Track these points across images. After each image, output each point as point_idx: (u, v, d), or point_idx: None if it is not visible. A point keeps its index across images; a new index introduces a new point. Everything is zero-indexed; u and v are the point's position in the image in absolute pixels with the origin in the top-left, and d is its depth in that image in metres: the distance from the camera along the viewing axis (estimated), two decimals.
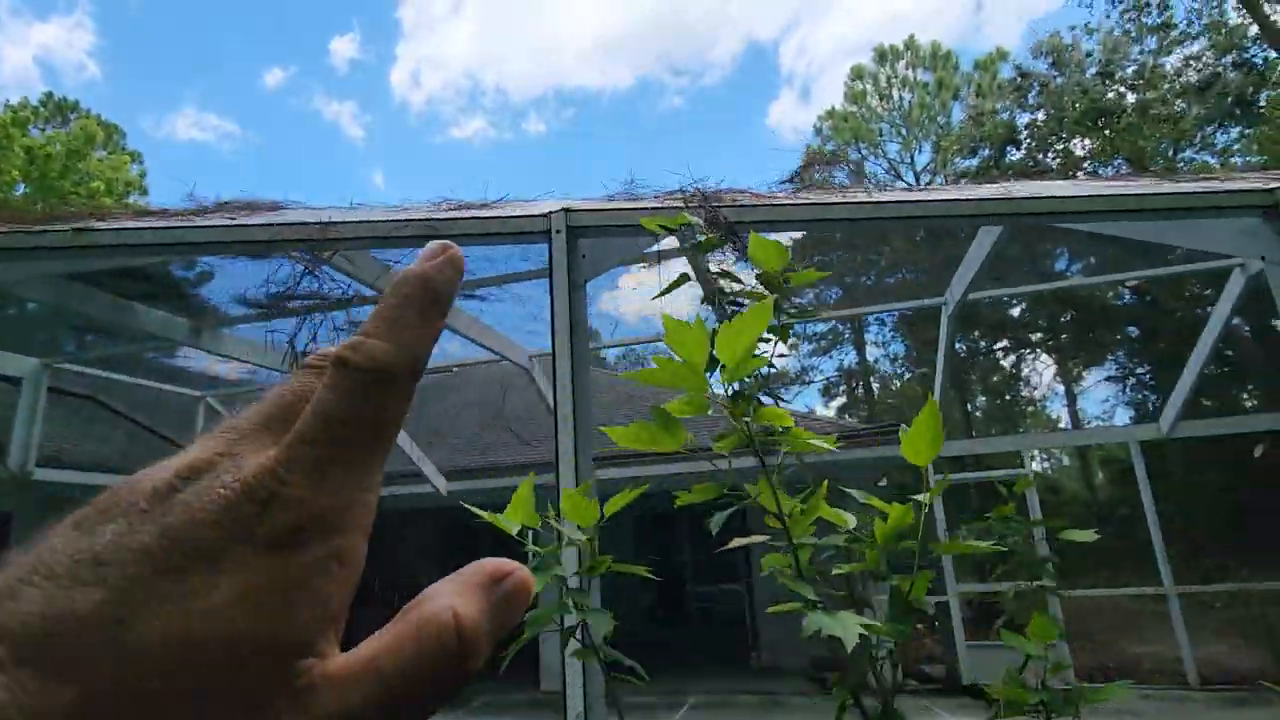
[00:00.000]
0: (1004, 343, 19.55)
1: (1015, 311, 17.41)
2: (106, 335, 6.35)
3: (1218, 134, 16.51)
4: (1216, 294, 7.54)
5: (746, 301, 1.81)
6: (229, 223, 2.42)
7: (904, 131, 25.08)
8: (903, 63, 24.95)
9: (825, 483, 1.10)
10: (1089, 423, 20.33)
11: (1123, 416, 18.95)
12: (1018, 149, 17.78)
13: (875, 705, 0.94)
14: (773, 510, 1.03)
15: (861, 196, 2.56)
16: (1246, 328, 13.77)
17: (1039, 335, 18.90)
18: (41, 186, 19.38)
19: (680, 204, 2.37)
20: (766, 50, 47.07)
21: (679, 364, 0.99)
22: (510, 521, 1.17)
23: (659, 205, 2.41)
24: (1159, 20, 16.78)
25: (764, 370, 1.25)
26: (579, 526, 1.31)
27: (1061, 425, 22.72)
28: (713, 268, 2.36)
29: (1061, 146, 17.37)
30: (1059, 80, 17.43)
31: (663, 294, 1.98)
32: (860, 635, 0.87)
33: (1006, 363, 20.24)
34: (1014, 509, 1.74)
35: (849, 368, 23.94)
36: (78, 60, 40.69)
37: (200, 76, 47.75)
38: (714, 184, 2.43)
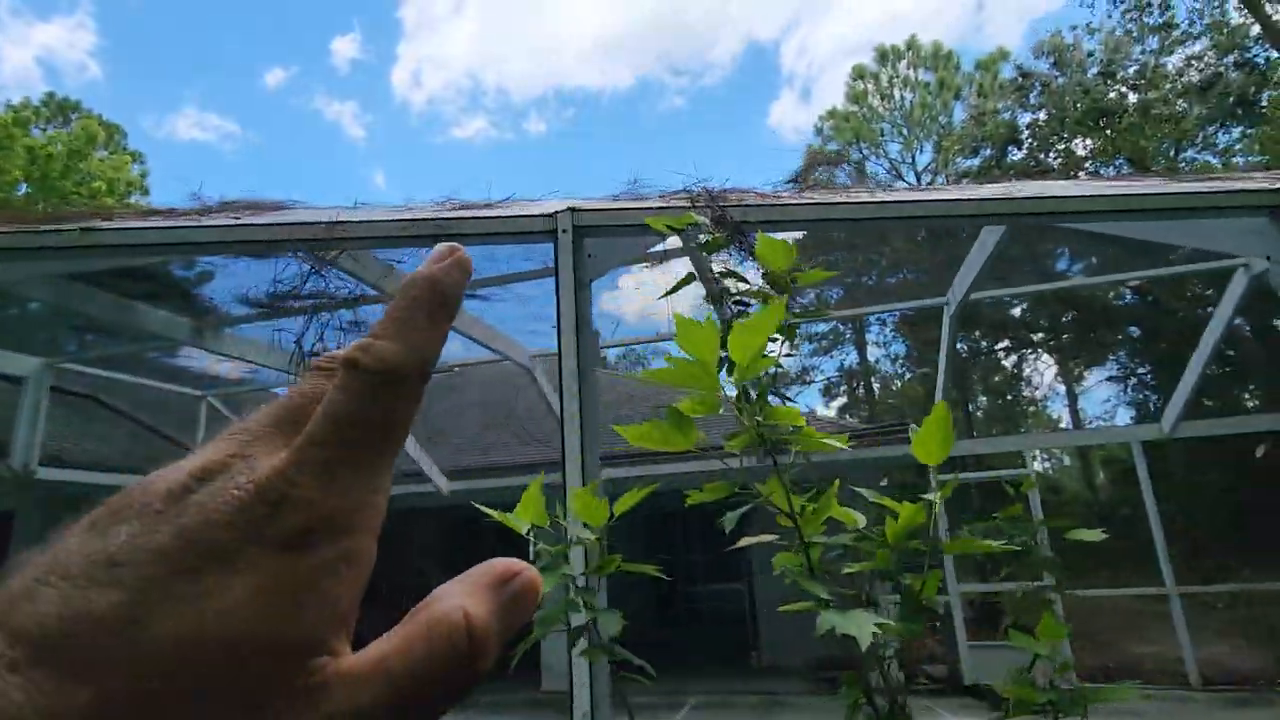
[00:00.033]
0: (1005, 343, 19.55)
1: (1016, 311, 17.41)
2: (108, 335, 6.35)
3: (1219, 134, 16.51)
4: (1218, 294, 7.54)
5: (752, 301, 1.81)
6: (236, 222, 2.43)
7: (905, 131, 25.08)
8: (904, 62, 24.95)
9: (837, 482, 1.10)
10: (1090, 423, 20.33)
11: (1124, 416, 18.95)
12: (1019, 149, 17.77)
13: (885, 704, 0.94)
14: (784, 509, 1.03)
15: (865, 196, 2.56)
16: (1248, 328, 13.76)
17: (1040, 335, 18.90)
18: (43, 186, 19.40)
19: (685, 204, 2.37)
20: (767, 50, 47.08)
21: (692, 363, 0.99)
22: (520, 520, 1.17)
23: (664, 205, 2.41)
24: (1160, 20, 16.78)
25: (770, 370, 1.25)
26: (587, 525, 1.31)
27: (1062, 425, 22.72)
28: (716, 268, 2.36)
29: (1063, 146, 17.36)
30: (1060, 80, 17.42)
31: (669, 293, 1.98)
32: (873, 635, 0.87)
33: (1008, 363, 20.23)
34: (1021, 509, 1.74)
35: (850, 368, 23.94)
36: (79, 60, 40.71)
37: (201, 76, 47.78)
38: (719, 184, 2.43)
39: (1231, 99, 15.13)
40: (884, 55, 25.23)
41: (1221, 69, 15.62)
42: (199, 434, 8.18)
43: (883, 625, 0.88)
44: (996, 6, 39.14)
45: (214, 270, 4.94)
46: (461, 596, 0.23)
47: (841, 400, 24.81)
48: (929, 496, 1.08)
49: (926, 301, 6.93)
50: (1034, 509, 7.63)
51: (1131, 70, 17.12)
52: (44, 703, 0.18)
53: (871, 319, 20.64)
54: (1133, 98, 16.73)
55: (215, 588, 0.20)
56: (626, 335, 8.29)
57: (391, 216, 2.43)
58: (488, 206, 2.84)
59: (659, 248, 3.27)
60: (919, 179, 24.05)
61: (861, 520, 1.12)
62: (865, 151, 24.82)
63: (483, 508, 1.22)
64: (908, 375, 23.38)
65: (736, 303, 1.84)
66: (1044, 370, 20.68)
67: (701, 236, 2.23)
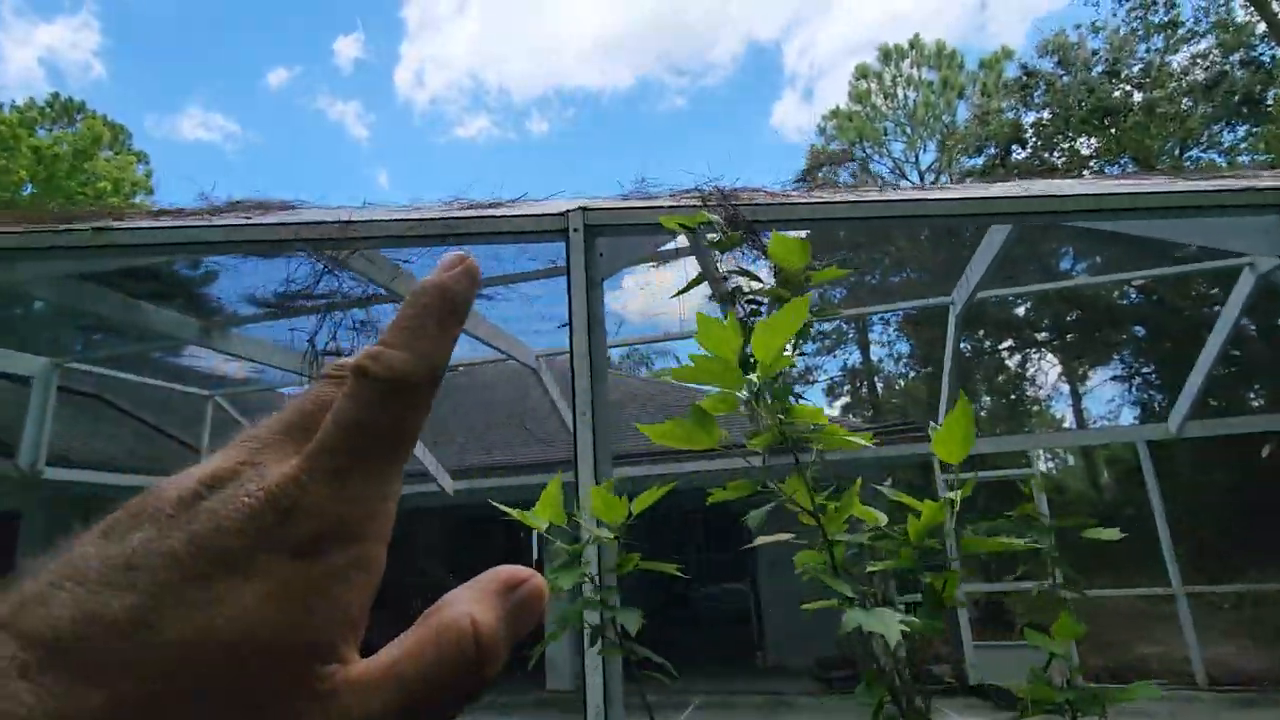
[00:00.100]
0: (1009, 342, 19.51)
1: (1020, 311, 17.37)
2: (115, 334, 6.37)
3: (1224, 133, 16.45)
4: (1224, 293, 7.50)
5: (763, 300, 1.81)
6: (248, 222, 2.43)
7: (909, 131, 25.04)
8: (907, 61, 24.90)
9: (859, 480, 1.10)
10: (1094, 422, 20.29)
11: (1128, 416, 18.90)
12: (1023, 148, 17.73)
13: (901, 704, 0.94)
14: (806, 507, 1.03)
15: (875, 195, 2.55)
16: (1253, 327, 13.72)
17: (1044, 335, 18.86)
18: (49, 187, 19.46)
19: (695, 203, 2.37)
20: (769, 50, 47.01)
21: (716, 361, 0.99)
22: (539, 518, 1.17)
23: (675, 204, 2.41)
24: (1165, 18, 16.72)
25: (790, 369, 1.25)
26: (604, 524, 1.31)
27: (1066, 425, 22.67)
28: (723, 267, 2.36)
29: (1067, 146, 17.31)
30: (1065, 79, 17.38)
31: (682, 292, 1.98)
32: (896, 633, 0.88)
33: (1011, 362, 20.19)
34: (1034, 508, 1.74)
35: (853, 367, 23.91)
36: (83, 60, 40.82)
37: (205, 76, 47.85)
38: (728, 183, 2.43)
39: (1237, 97, 15.07)
40: (887, 54, 25.19)
41: (1227, 67, 15.56)
42: (205, 433, 8.20)
43: (909, 622, 0.88)
44: (999, 5, 39.05)
45: (221, 270, 4.96)
46: (469, 603, 0.23)
47: (845, 400, 24.79)
48: (949, 495, 1.08)
49: (932, 300, 6.92)
50: (1040, 509, 7.61)
51: (1136, 69, 17.07)
52: (55, 706, 0.18)
53: (874, 318, 20.62)
54: (1137, 96, 16.68)
55: (227, 594, 0.21)
56: (630, 335, 8.29)
57: (403, 216, 2.44)
58: (495, 206, 2.85)
59: (669, 246, 3.27)
60: (922, 178, 24.01)
61: (883, 519, 1.12)
62: (869, 151, 24.79)
63: (501, 506, 1.22)
64: (911, 375, 23.34)
65: (750, 301, 1.84)
66: (1048, 370, 20.64)
67: (709, 236, 2.23)
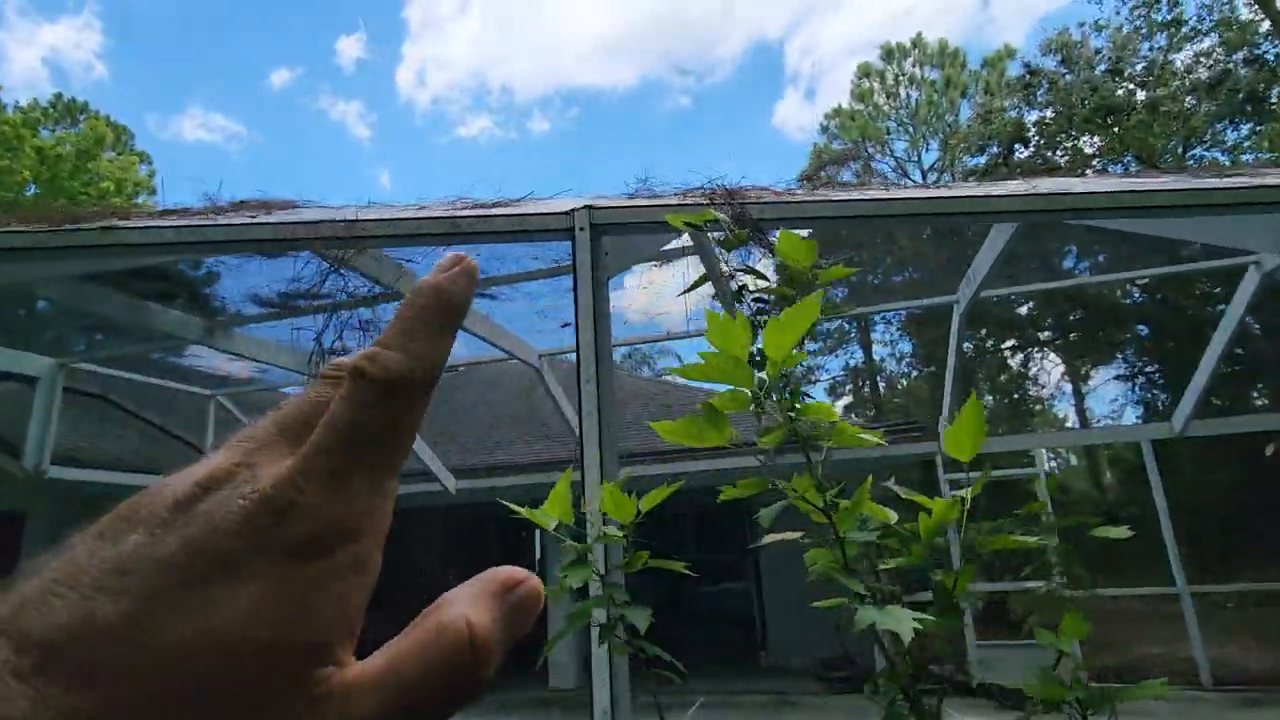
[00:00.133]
0: (1011, 341, 19.48)
1: (1023, 310, 17.34)
2: (119, 335, 6.38)
3: (1228, 131, 16.40)
4: (1227, 292, 7.47)
5: (769, 298, 1.81)
6: (256, 221, 2.44)
7: (911, 130, 25.01)
8: (910, 60, 24.87)
9: (869, 478, 1.10)
10: (1097, 422, 20.25)
11: (1131, 415, 18.86)
12: (1026, 147, 17.69)
13: (929, 702, 0.94)
14: (816, 505, 1.03)
15: (881, 193, 2.55)
16: (1258, 326, 13.68)
17: (1047, 334, 18.83)
18: (52, 187, 19.51)
19: (701, 201, 2.37)
20: (771, 49, 46.97)
21: (726, 358, 0.99)
22: (547, 516, 1.17)
23: (681, 203, 2.41)
24: (1169, 16, 16.68)
25: (800, 366, 1.25)
26: (612, 521, 1.31)
27: (1068, 424, 22.64)
28: (725, 267, 2.36)
29: (1070, 144, 17.28)
30: (1068, 77, 17.34)
31: (686, 291, 1.97)
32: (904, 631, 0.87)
33: (1014, 362, 20.16)
34: (1043, 505, 1.73)
35: (855, 367, 23.89)
36: (86, 61, 40.90)
37: (207, 77, 47.93)
38: (733, 182, 2.43)
39: (1240, 95, 15.03)
40: (889, 53, 25.16)
41: (1231, 65, 15.52)
42: (208, 433, 8.21)
43: (922, 620, 0.88)
44: (1001, 4, 38.97)
45: (224, 270, 4.97)
46: (465, 604, 0.23)
47: (847, 399, 24.78)
48: (960, 492, 1.08)
49: (936, 300, 6.91)
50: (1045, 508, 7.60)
51: (1139, 67, 17.02)
52: (50, 709, 0.18)
53: (876, 318, 20.60)
54: (1141, 95, 16.64)
55: (222, 597, 0.21)
56: (631, 335, 8.28)
57: (410, 215, 2.44)
58: (500, 205, 2.85)
59: (674, 245, 3.27)
60: (925, 177, 23.98)
61: (894, 517, 1.12)
62: (871, 150, 24.76)
63: (511, 505, 1.22)
64: (914, 374, 23.32)
65: (757, 300, 1.84)
66: (1050, 369, 20.61)
67: (712, 235, 2.22)
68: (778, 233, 1.65)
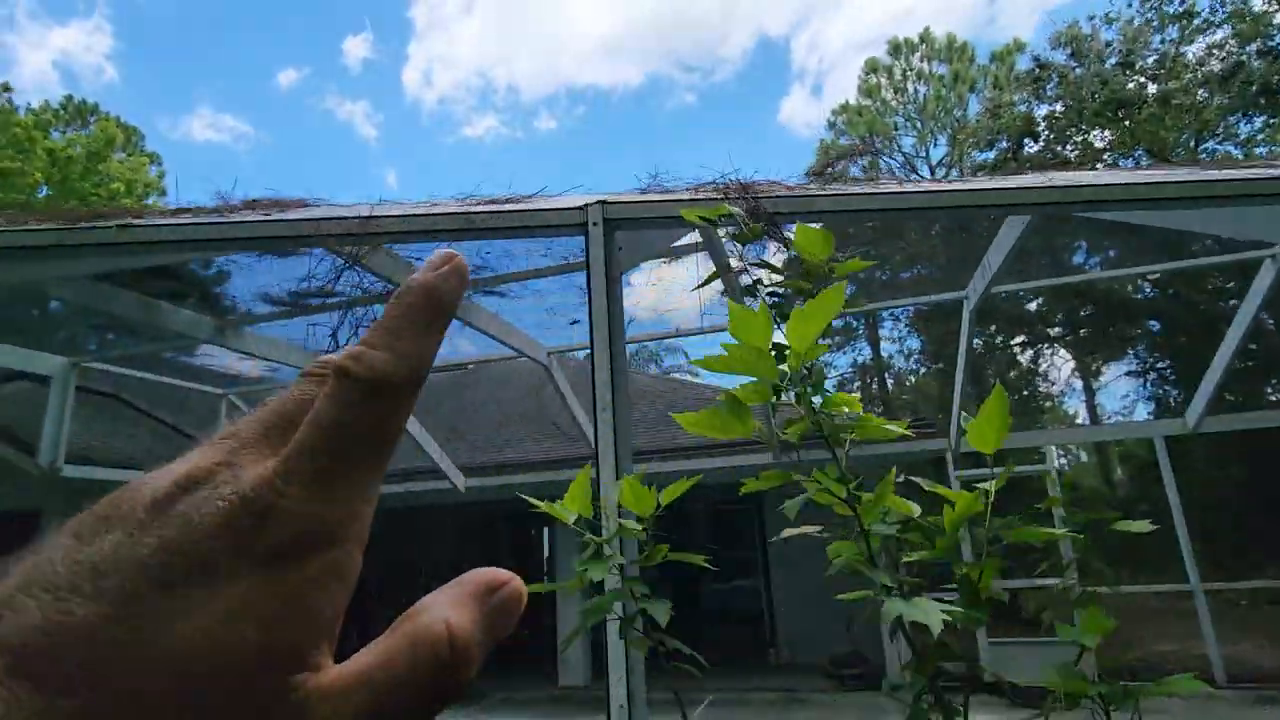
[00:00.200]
0: (1021, 338, 19.36)
1: (1032, 306, 17.23)
2: (132, 334, 6.44)
3: (1241, 124, 16.22)
4: (1241, 286, 7.39)
5: (785, 292, 1.80)
6: (271, 218, 2.45)
7: (919, 125, 24.87)
8: (917, 55, 24.72)
9: (893, 470, 1.09)
10: (1108, 418, 20.12)
11: (1142, 411, 18.72)
12: (1035, 141, 17.56)
13: (956, 700, 0.93)
14: (840, 497, 1.02)
15: (894, 187, 2.53)
16: (1271, 321, 13.55)
17: (1057, 330, 18.71)
18: (63, 189, 19.68)
19: (713, 196, 2.36)
20: (777, 46, 46.80)
21: (748, 350, 0.98)
22: (567, 511, 1.17)
23: (694, 197, 2.40)
24: (1180, 8, 16.50)
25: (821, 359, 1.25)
26: (631, 515, 1.31)
27: (1079, 421, 22.49)
28: (737, 262, 2.35)
29: (1080, 138, 17.14)
30: (1078, 71, 17.20)
31: (700, 286, 1.97)
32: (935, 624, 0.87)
33: (1024, 358, 20.04)
34: (1060, 500, 1.71)
35: (863, 363, 23.82)
36: (96, 63, 41.21)
37: (215, 78, 48.21)
38: (747, 176, 2.42)
39: (1254, 88, 14.85)
40: (897, 48, 25.01)
41: (1244, 57, 15.33)
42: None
43: (951, 612, 0.87)
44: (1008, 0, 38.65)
45: (235, 269, 5.00)
46: (445, 607, 0.23)
47: (855, 396, 24.67)
48: (984, 486, 1.07)
49: (946, 295, 6.87)
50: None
51: (1151, 60, 16.86)
52: (24, 711, 0.18)
53: (884, 314, 20.52)
54: (1152, 88, 16.48)
55: (201, 600, 0.20)
56: (639, 332, 8.27)
57: (424, 211, 2.44)
58: (507, 201, 2.85)
59: (684, 241, 3.26)
60: (933, 173, 23.86)
61: (917, 510, 1.11)
62: (879, 145, 24.64)
63: (530, 499, 1.23)
64: (922, 371, 23.22)
65: (771, 294, 1.83)
66: (1060, 365, 20.48)
67: (722, 232, 2.22)
68: (793, 227, 1.64)
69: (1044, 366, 20.51)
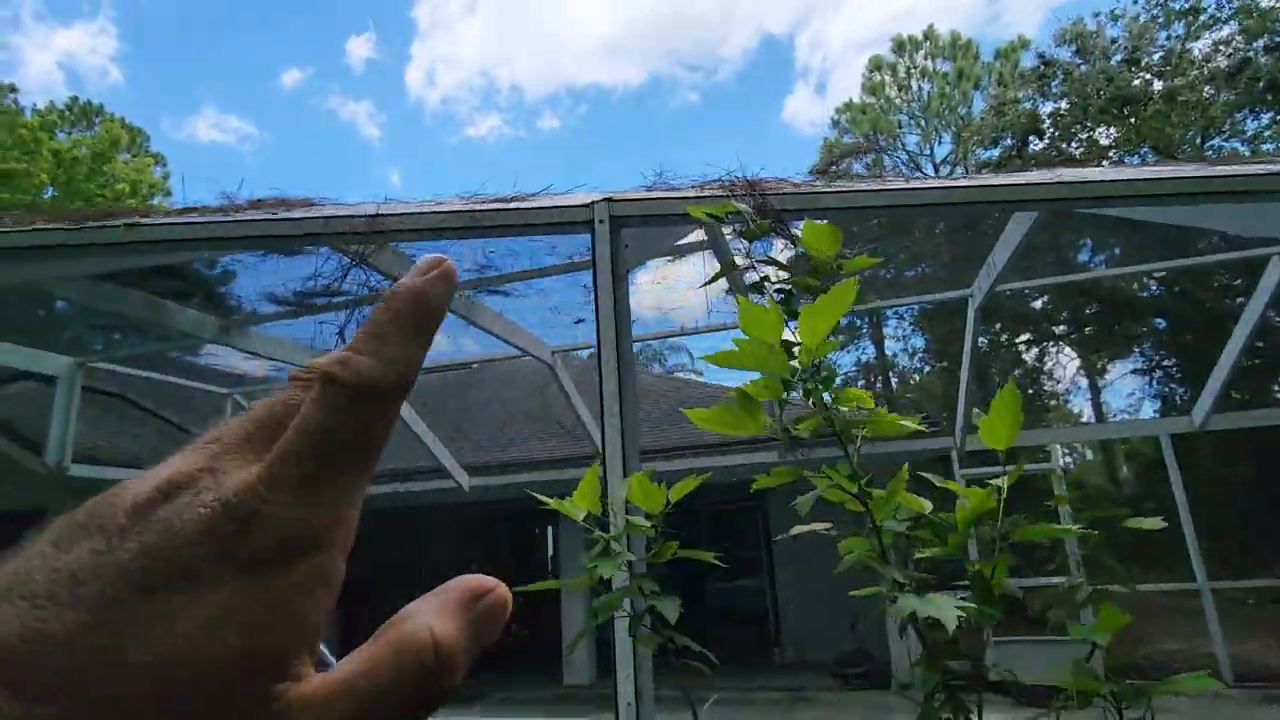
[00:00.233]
0: (1026, 336, 19.30)
1: (1037, 304, 17.17)
2: (137, 334, 6.46)
3: (1248, 120, 16.13)
4: (1248, 284, 7.35)
5: (787, 289, 1.79)
6: (279, 217, 2.45)
7: (923, 123, 24.80)
8: (921, 53, 24.64)
9: (906, 466, 1.09)
10: (1114, 416, 20.05)
11: (1148, 409, 18.65)
12: (1040, 139, 17.49)
13: (967, 698, 0.92)
14: (852, 493, 1.02)
15: (901, 184, 2.52)
16: (1278, 319, 13.47)
17: (1062, 328, 18.64)
18: (69, 190, 19.76)
19: (720, 193, 2.36)
20: (780, 45, 46.74)
21: (760, 345, 0.98)
22: (577, 508, 1.17)
23: (700, 195, 2.39)
24: (1187, 4, 16.42)
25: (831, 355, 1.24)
26: (631, 511, 1.30)
27: (1084, 419, 22.42)
28: (744, 260, 2.34)
29: (1085, 136, 17.07)
30: (1083, 68, 17.12)
31: (707, 284, 1.96)
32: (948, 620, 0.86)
33: (1028, 356, 19.99)
34: (1069, 499, 1.71)
35: (867, 362, 23.78)
36: (101, 65, 41.39)
37: (219, 79, 48.38)
38: (753, 173, 2.41)
39: (1261, 84, 14.76)
40: (901, 45, 24.94)
41: (1250, 53, 15.24)
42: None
43: (965, 608, 0.86)
44: None
45: (240, 269, 5.01)
46: (429, 615, 0.23)
47: (866, 391, 24.65)
48: (996, 482, 1.06)
49: (951, 294, 6.85)
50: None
51: (1156, 56, 16.77)
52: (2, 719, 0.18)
53: (888, 313, 20.48)
54: (1158, 85, 16.40)
55: (179, 608, 0.20)
56: (642, 332, 8.26)
57: (430, 209, 2.44)
58: (516, 200, 2.85)
59: (687, 240, 3.26)
60: (937, 171, 23.79)
61: (928, 506, 1.11)
62: (883, 143, 24.59)
63: (540, 496, 1.22)
64: (926, 369, 23.18)
65: (779, 291, 1.82)
66: (1065, 364, 20.41)
67: (734, 227, 2.21)
68: (799, 224, 1.64)
69: (1049, 365, 20.45)
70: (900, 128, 24.96)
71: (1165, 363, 17.55)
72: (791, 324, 1.09)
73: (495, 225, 2.35)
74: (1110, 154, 16.46)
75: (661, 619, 1.24)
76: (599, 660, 9.41)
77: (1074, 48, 17.64)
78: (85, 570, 0.20)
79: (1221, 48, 16.02)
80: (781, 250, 2.10)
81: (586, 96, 52.11)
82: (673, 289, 5.57)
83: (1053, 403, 22.45)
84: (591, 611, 1.25)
